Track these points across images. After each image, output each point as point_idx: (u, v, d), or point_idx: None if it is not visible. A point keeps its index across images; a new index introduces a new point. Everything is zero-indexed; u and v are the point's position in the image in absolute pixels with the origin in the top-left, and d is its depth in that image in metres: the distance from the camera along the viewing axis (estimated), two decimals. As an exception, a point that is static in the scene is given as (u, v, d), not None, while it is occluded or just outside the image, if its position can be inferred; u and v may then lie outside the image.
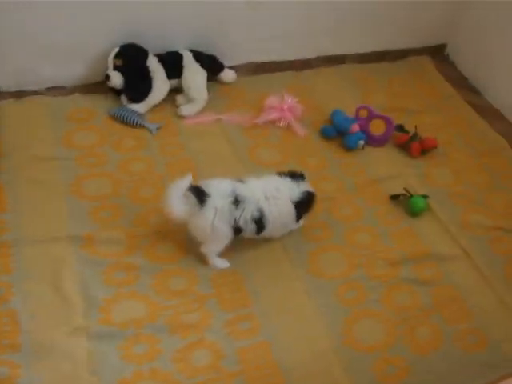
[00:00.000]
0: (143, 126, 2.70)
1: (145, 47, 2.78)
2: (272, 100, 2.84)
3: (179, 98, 2.85)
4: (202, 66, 2.86)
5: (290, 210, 2.15)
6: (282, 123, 2.82)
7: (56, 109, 2.73)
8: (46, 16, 2.62)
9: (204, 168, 2.56)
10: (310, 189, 2.20)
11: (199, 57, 2.87)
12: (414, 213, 2.51)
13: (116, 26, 2.77)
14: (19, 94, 2.77)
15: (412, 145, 2.80)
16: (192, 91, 2.80)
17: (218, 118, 2.81)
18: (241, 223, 2.06)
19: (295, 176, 2.19)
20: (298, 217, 2.21)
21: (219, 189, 2.02)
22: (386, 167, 2.73)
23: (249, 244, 2.26)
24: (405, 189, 2.56)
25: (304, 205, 2.18)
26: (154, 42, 2.83)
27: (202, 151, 2.65)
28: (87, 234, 2.20)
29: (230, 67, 3.05)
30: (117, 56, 2.71)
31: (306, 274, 2.22)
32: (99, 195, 2.37)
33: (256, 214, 2.06)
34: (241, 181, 2.11)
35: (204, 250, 2.14)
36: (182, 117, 2.79)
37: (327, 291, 2.17)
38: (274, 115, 2.81)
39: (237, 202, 2.02)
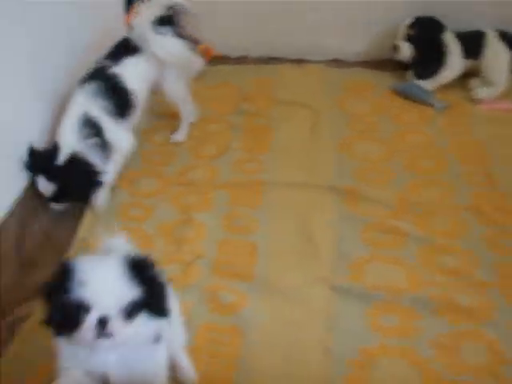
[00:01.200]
0: (429, 104, 2.34)
1: (442, 22, 2.43)
2: None
3: (473, 81, 2.42)
4: (508, 47, 2.38)
5: None
6: None
7: (333, 78, 2.55)
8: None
9: (494, 154, 2.08)
10: None
11: (505, 37, 2.41)
12: None
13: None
14: (299, 61, 2.65)
15: None
16: (491, 73, 2.36)
17: (520, 106, 2.29)
18: None
19: None
20: None
21: None
22: None
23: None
24: None
25: None
26: (454, 19, 2.46)
27: (494, 137, 2.17)
28: (352, 188, 1.91)
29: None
30: (411, 25, 2.41)
31: None
32: (370, 157, 2.07)
33: None
34: None
35: None
36: (474, 100, 2.35)
37: None
38: None
39: None
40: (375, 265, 1.63)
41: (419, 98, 2.35)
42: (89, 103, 1.77)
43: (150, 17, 1.90)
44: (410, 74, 2.48)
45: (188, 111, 2.15)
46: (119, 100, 1.84)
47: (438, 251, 1.67)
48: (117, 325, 0.98)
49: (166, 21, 1.94)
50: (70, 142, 1.72)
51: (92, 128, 1.76)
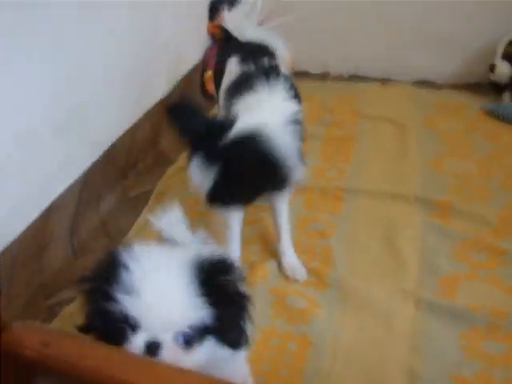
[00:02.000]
0: (526, 125, 2.11)
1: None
2: None
3: None
4: None
5: None
6: None
7: (422, 97, 2.38)
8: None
9: None
10: None
11: None
12: None
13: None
14: (384, 81, 2.50)
15: None
16: None
17: None
18: None
19: None
20: None
21: None
22: None
23: None
24: None
25: None
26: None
27: None
28: (443, 201, 1.69)
29: None
30: (510, 43, 2.22)
31: None
32: (462, 173, 1.85)
33: None
34: None
35: None
36: None
37: None
38: None
39: None
40: (471, 283, 1.40)
41: (516, 119, 2.14)
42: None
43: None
44: (506, 95, 2.26)
45: None
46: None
47: (546, 275, 1.42)
48: (172, 353, 0.71)
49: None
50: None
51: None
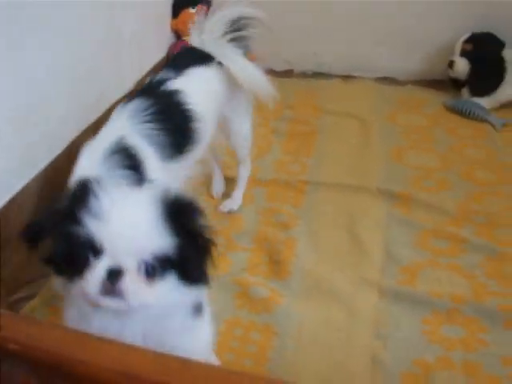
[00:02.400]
0: (485, 120, 2.16)
1: (500, 39, 2.29)
2: None
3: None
4: None
5: None
6: None
7: (384, 93, 2.42)
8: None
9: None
10: None
11: None
12: None
13: (470, 16, 2.35)
14: (347, 78, 2.53)
15: None
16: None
17: None
18: None
19: None
20: None
21: None
22: None
23: None
24: None
25: None
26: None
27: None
28: (404, 193, 1.73)
29: None
30: (467, 40, 2.28)
31: None
32: (423, 166, 1.89)
33: None
34: None
35: None
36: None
37: None
38: None
39: None
40: (433, 271, 1.44)
41: (475, 114, 2.18)
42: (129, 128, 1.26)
43: (219, 31, 1.49)
44: (465, 91, 2.32)
45: (247, 164, 1.71)
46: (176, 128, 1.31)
47: (503, 261, 1.46)
48: (133, 282, 0.70)
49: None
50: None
51: (127, 159, 1.19)
